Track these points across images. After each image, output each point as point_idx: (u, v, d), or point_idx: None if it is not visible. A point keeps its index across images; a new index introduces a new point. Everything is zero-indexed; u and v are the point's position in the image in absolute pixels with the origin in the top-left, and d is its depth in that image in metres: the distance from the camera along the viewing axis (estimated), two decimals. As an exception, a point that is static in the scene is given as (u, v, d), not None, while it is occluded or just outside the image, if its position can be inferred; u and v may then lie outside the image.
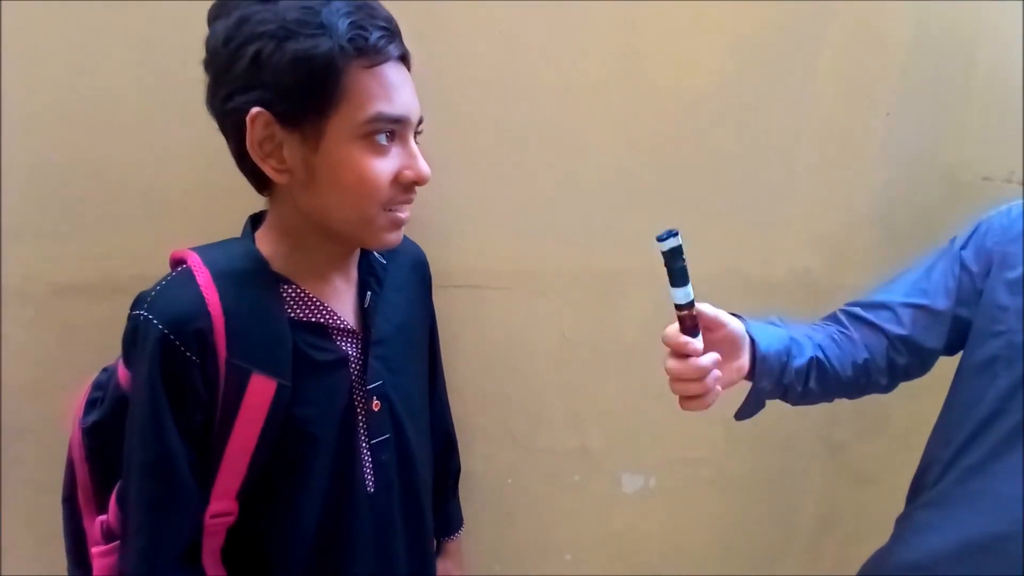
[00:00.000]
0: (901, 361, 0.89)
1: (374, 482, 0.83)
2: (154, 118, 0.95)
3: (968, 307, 0.86)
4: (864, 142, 1.10)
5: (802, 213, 1.13)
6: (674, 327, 0.78)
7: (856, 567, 0.98)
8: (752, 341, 0.84)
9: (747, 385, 0.87)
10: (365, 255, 0.86)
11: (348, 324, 0.81)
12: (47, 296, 1.00)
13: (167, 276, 0.76)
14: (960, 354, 0.89)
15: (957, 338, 0.88)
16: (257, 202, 0.81)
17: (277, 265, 0.78)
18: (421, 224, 1.07)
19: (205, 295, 0.72)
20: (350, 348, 0.81)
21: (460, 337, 1.12)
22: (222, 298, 0.72)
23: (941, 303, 0.87)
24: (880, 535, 0.94)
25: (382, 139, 0.73)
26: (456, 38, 1.00)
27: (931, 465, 0.89)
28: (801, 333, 0.90)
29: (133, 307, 0.74)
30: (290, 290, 0.78)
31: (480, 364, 1.14)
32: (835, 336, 0.91)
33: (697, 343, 0.76)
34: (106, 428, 0.78)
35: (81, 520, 0.81)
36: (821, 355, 0.88)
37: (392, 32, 0.74)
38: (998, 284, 0.82)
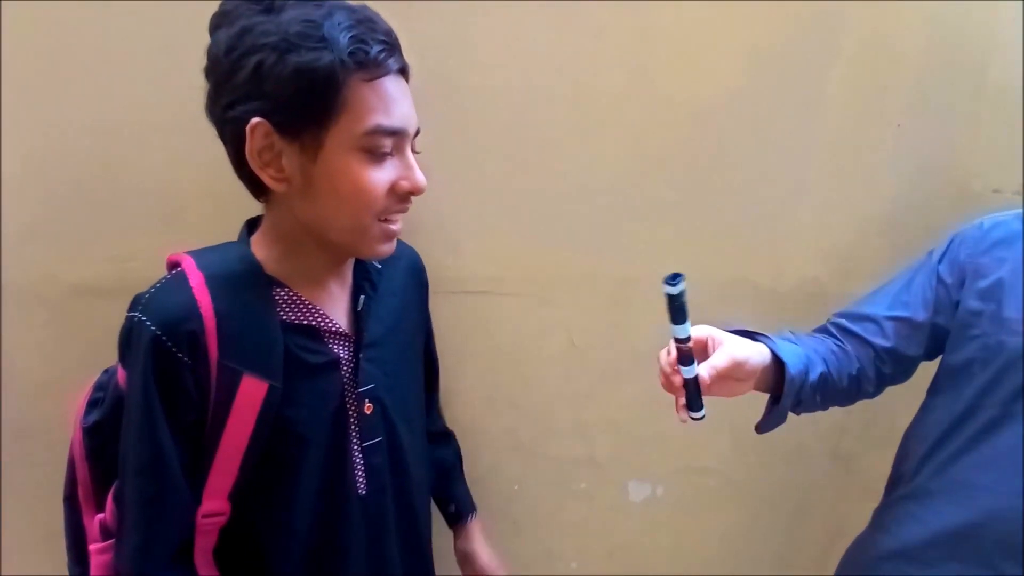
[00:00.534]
0: (887, 370, 0.94)
1: (366, 485, 0.83)
2: (172, 121, 0.96)
3: (945, 316, 0.91)
4: (874, 153, 1.10)
5: (812, 223, 1.13)
6: (667, 353, 0.83)
7: (864, 578, 0.97)
8: (778, 361, 0.87)
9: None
10: (360, 259, 0.87)
11: (340, 327, 0.82)
12: (63, 297, 1.01)
13: (163, 279, 0.77)
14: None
15: (936, 345, 0.93)
16: (268, 206, 0.81)
17: (271, 269, 0.79)
18: (431, 230, 1.08)
19: (198, 298, 0.73)
20: (342, 351, 0.82)
21: (468, 343, 1.13)
22: (214, 301, 0.73)
23: (921, 315, 0.92)
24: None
25: (380, 151, 0.74)
26: (468, 47, 1.01)
27: (908, 458, 0.94)
28: (810, 348, 0.93)
29: (129, 308, 0.75)
30: (283, 293, 0.79)
31: (488, 370, 1.14)
32: (834, 349, 0.95)
33: (687, 372, 0.81)
34: (106, 428, 0.79)
35: (81, 518, 0.82)
36: (826, 369, 0.91)
37: (392, 45, 0.75)
38: (971, 294, 0.87)
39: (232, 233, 0.83)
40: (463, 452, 1.11)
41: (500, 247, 1.10)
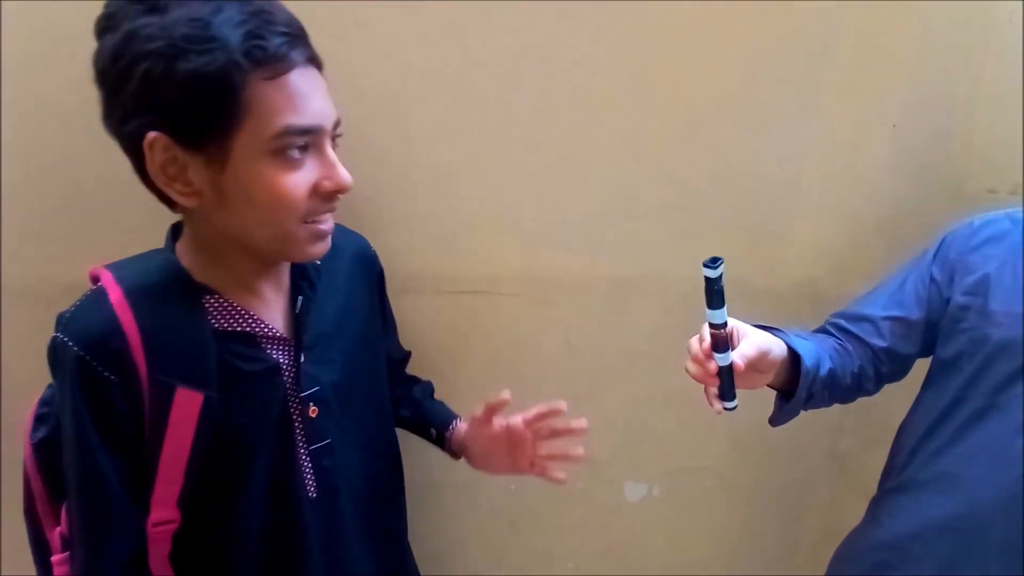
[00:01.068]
0: (884, 369, 0.96)
1: (316, 488, 0.81)
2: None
3: (938, 314, 0.92)
4: (870, 153, 1.10)
5: (808, 224, 1.13)
6: (700, 340, 0.82)
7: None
8: (791, 355, 0.89)
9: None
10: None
11: (278, 332, 0.79)
12: (62, 298, 1.01)
13: (83, 296, 0.74)
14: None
15: (930, 342, 0.94)
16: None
17: (199, 276, 0.75)
18: (428, 230, 1.08)
19: (118, 313, 0.70)
20: (281, 356, 0.79)
21: (466, 343, 1.13)
22: (137, 315, 0.70)
23: (915, 314, 0.94)
24: (884, 546, 0.94)
25: (294, 153, 0.68)
26: (466, 45, 1.01)
27: (899, 452, 0.96)
28: (818, 344, 0.94)
29: (55, 327, 0.72)
30: (214, 301, 0.75)
31: (485, 370, 1.15)
32: (836, 347, 0.96)
33: (722, 359, 0.80)
34: (54, 443, 0.77)
35: (43, 531, 0.81)
36: (833, 365, 0.93)
37: (294, 36, 0.68)
38: (960, 289, 0.89)
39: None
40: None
41: (497, 247, 1.10)
